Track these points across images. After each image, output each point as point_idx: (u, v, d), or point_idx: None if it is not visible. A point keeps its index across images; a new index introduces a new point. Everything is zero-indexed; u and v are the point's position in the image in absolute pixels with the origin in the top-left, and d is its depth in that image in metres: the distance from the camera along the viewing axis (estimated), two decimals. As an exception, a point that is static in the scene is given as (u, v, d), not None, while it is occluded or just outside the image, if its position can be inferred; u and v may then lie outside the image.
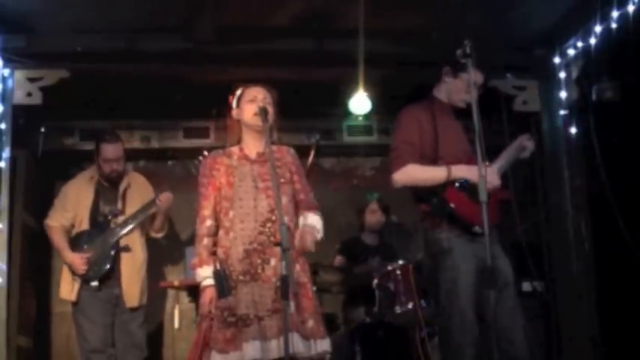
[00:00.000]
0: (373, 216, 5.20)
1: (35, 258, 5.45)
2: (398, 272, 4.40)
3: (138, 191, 4.75)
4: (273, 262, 3.16)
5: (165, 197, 4.63)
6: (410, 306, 4.29)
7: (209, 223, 3.26)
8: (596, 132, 4.26)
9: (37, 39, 4.65)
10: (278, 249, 3.11)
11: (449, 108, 3.64)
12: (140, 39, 4.74)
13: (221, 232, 3.24)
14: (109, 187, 4.69)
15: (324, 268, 4.75)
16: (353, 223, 5.45)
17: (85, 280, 4.48)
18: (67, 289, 4.55)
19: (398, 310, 4.34)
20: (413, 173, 3.45)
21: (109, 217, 4.58)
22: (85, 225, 4.60)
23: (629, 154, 4.24)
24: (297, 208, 3.34)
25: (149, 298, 4.78)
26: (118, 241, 4.54)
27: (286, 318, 2.83)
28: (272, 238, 3.17)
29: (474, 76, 3.27)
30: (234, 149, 3.38)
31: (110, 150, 4.62)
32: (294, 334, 3.03)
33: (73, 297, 4.50)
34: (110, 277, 4.51)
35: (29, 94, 4.70)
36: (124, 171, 4.76)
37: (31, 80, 4.71)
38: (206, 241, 3.24)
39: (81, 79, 4.82)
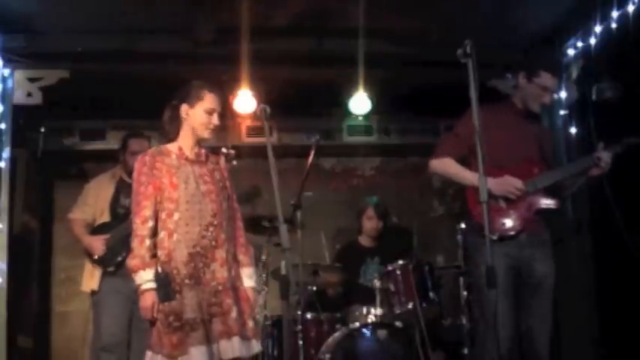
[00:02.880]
0: (370, 222, 5.18)
1: (35, 258, 5.45)
2: (398, 272, 4.40)
3: None
4: (213, 266, 3.16)
5: None
6: (410, 306, 4.29)
7: (151, 224, 3.16)
8: (596, 132, 4.25)
9: (37, 39, 4.65)
10: (219, 253, 3.17)
11: (523, 112, 3.67)
12: (140, 39, 4.74)
13: (163, 234, 3.16)
14: (130, 183, 4.68)
15: (324, 268, 4.75)
16: (353, 223, 5.44)
17: (103, 265, 4.44)
18: (88, 279, 4.51)
19: (398, 310, 4.34)
20: (447, 167, 3.66)
21: (130, 209, 4.58)
22: (105, 217, 4.59)
23: (629, 154, 4.24)
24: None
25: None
26: None
27: (285, 319, 2.84)
28: (213, 243, 3.18)
29: (548, 81, 3.51)
30: (172, 147, 3.29)
31: (137, 143, 4.66)
32: (237, 338, 3.08)
33: (94, 285, 4.45)
34: None
35: (29, 94, 4.71)
36: None
37: (31, 80, 4.72)
38: (148, 242, 3.13)
39: (81, 79, 4.82)
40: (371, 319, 4.38)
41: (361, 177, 6.44)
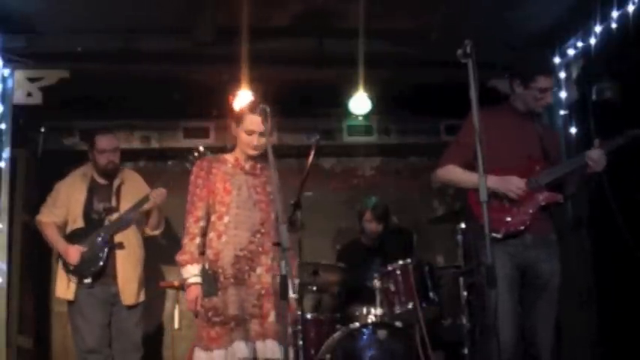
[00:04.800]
0: (369, 225, 5.16)
1: (35, 258, 5.44)
2: (398, 272, 4.40)
3: (132, 188, 4.69)
4: (259, 270, 3.40)
5: (159, 192, 4.55)
6: (410, 306, 4.29)
7: (202, 223, 3.42)
8: (596, 132, 4.25)
9: (37, 39, 4.65)
10: (265, 258, 3.39)
11: (523, 112, 3.68)
12: (140, 39, 4.74)
13: (212, 235, 3.41)
14: (102, 185, 4.66)
15: (324, 268, 4.74)
16: (353, 223, 5.44)
17: (78, 276, 4.43)
18: (63, 287, 4.50)
19: (398, 310, 4.34)
20: (451, 174, 3.68)
21: (103, 214, 4.56)
22: (79, 222, 4.57)
23: (629, 154, 4.24)
24: None
25: (148, 298, 4.77)
26: (112, 238, 4.52)
27: (285, 316, 2.96)
28: (260, 248, 3.40)
29: (544, 83, 3.52)
30: (229, 157, 3.55)
31: (105, 140, 4.62)
32: (270, 341, 3.26)
33: (70, 296, 4.45)
34: (106, 274, 4.47)
35: (29, 94, 4.72)
36: (119, 167, 4.73)
37: (31, 80, 4.72)
38: (198, 240, 3.39)
39: (81, 79, 4.82)
40: (371, 319, 4.38)
41: (361, 177, 6.44)
